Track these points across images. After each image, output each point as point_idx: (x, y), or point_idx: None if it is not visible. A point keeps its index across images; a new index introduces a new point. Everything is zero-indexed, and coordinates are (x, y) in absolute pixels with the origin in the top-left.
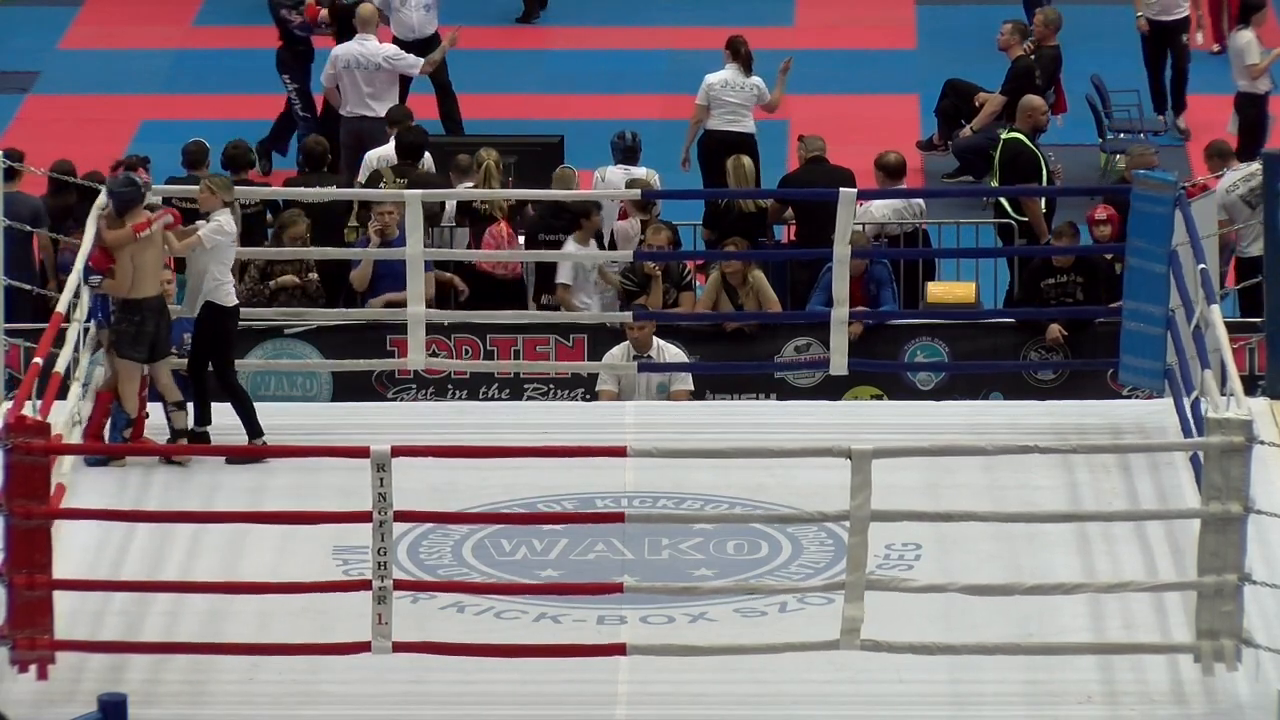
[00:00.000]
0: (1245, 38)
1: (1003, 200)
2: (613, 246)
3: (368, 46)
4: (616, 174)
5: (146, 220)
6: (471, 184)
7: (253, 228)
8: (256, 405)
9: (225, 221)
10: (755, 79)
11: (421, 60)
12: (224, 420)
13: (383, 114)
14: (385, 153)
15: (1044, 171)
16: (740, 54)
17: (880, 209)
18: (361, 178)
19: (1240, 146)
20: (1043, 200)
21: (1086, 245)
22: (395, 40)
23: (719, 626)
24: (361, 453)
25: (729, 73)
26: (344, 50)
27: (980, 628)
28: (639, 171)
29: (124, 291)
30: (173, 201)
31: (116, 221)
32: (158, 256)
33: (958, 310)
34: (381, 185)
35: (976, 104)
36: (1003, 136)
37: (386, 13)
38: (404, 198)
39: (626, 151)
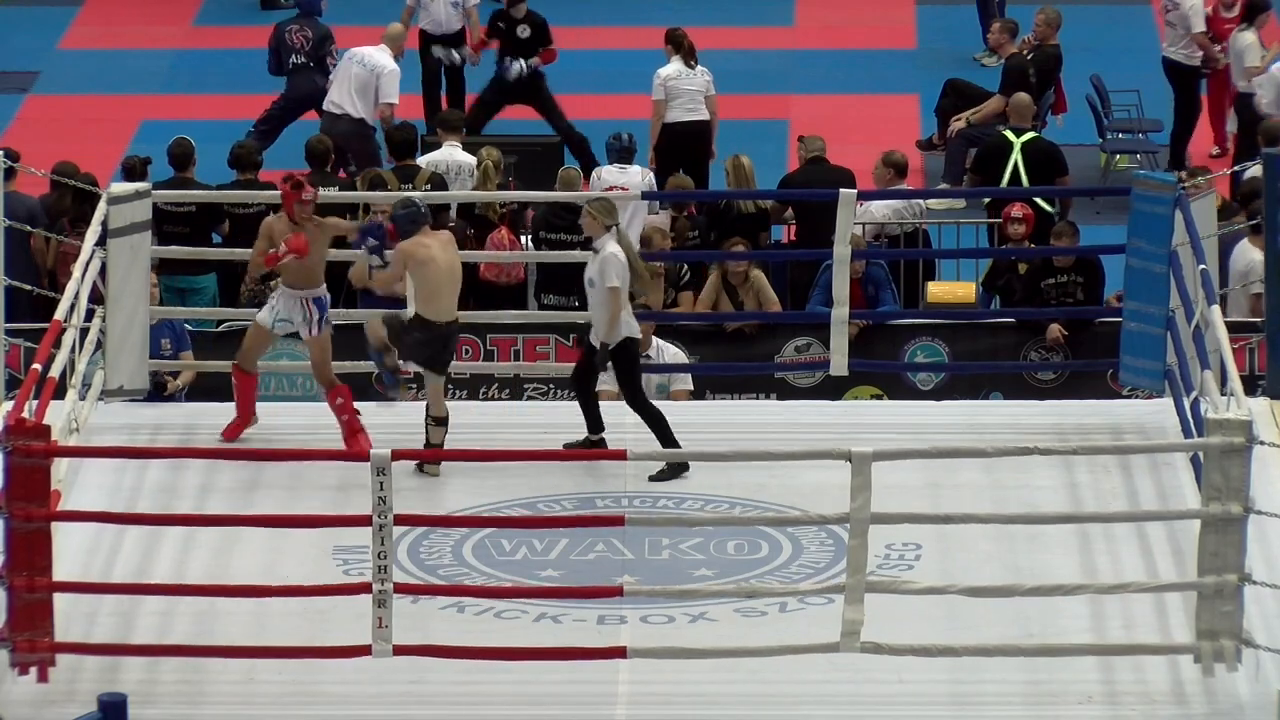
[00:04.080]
0: (1247, 39)
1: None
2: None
3: (379, 55)
4: (612, 173)
5: (276, 254)
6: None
7: (254, 228)
8: (255, 405)
9: (617, 250)
10: (702, 67)
11: (395, 102)
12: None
13: (359, 116)
14: None
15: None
16: (683, 46)
17: (880, 209)
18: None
19: (1239, 147)
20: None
21: (1086, 245)
22: (422, 33)
23: (719, 627)
24: (361, 456)
25: (678, 64)
26: (359, 48)
27: (980, 628)
28: (632, 170)
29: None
30: (162, 206)
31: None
32: (448, 277)
33: (958, 310)
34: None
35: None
36: (1020, 141)
37: (416, 8)
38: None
39: (622, 152)
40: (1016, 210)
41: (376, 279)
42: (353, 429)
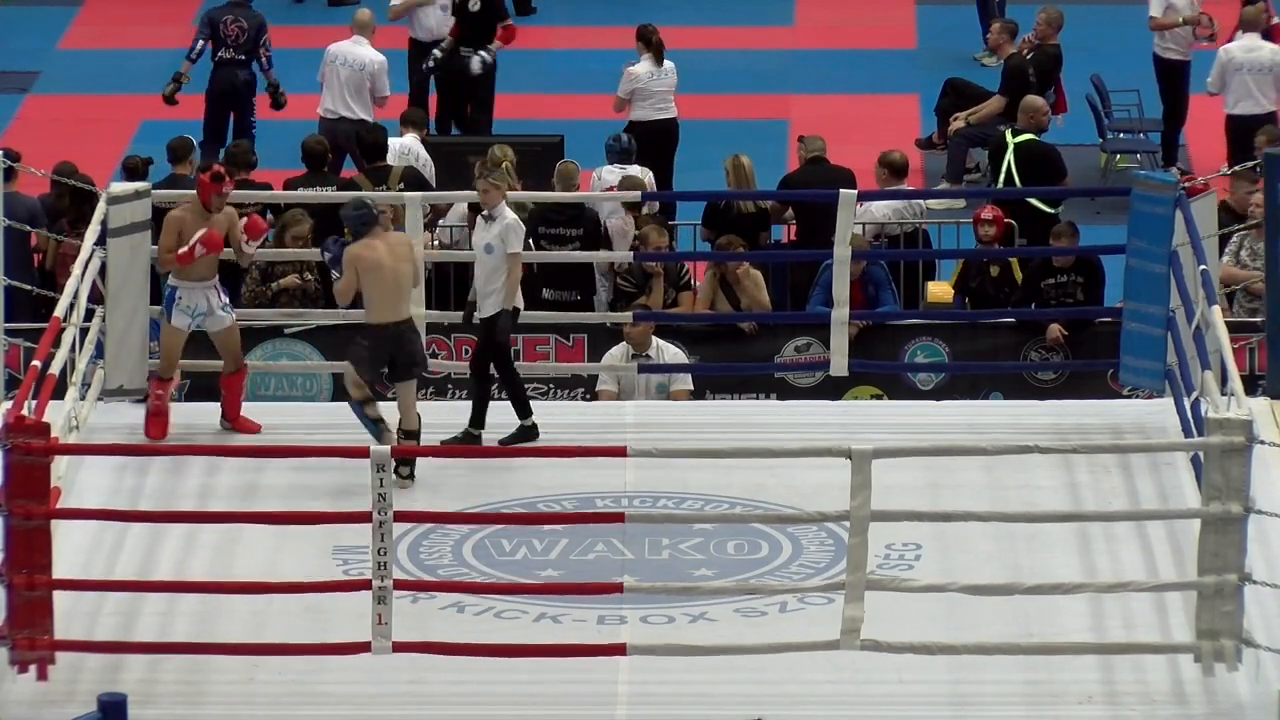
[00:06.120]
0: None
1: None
2: (608, 246)
3: (360, 50)
4: (613, 174)
5: (190, 250)
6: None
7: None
8: (256, 405)
9: (516, 217)
10: (669, 64)
11: (389, 94)
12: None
13: (358, 117)
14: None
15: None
16: (653, 43)
17: (880, 209)
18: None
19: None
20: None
21: (1086, 245)
22: (412, 41)
23: (719, 626)
24: (361, 453)
25: (648, 63)
26: (337, 47)
27: (980, 628)
28: (633, 170)
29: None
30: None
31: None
32: (392, 282)
33: (958, 310)
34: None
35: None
36: (1014, 141)
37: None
38: (404, 200)
39: (622, 153)
40: (986, 213)
41: (336, 290)
42: (235, 410)
